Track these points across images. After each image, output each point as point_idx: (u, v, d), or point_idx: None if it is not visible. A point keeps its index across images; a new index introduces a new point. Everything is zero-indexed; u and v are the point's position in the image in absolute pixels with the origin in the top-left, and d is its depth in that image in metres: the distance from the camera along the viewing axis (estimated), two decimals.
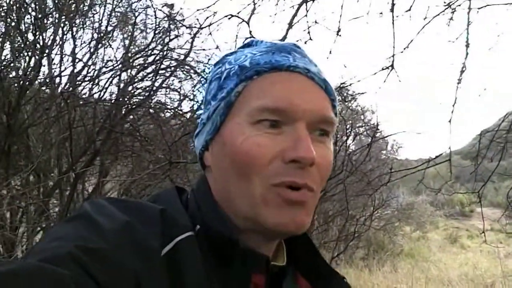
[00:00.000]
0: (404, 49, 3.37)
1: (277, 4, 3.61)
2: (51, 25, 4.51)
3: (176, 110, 5.09)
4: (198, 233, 0.74)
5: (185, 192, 0.87)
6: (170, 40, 4.49)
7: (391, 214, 12.77)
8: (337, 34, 3.47)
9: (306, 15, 3.44)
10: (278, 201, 0.73)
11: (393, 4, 3.22)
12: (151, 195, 0.88)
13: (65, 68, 4.50)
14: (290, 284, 0.84)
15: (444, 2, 3.36)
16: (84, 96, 4.74)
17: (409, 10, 3.69)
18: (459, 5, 3.33)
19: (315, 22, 3.43)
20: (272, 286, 0.80)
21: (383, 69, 3.39)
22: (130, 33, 5.27)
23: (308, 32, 3.44)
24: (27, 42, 4.23)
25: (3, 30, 4.33)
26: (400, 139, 13.88)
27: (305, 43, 3.50)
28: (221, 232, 0.75)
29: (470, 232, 18.85)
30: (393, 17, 3.23)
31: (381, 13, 3.34)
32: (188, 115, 4.98)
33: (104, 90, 4.75)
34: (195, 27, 4.16)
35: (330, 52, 3.60)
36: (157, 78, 4.63)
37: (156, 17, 4.51)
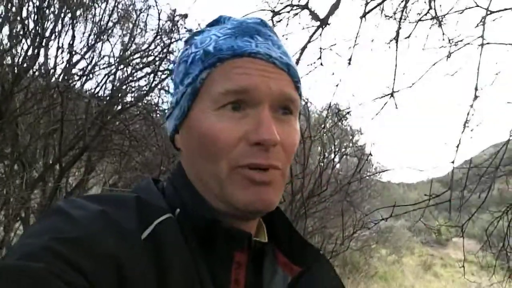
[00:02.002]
0: (410, 86, 3.43)
1: (287, 25, 3.64)
2: (52, 15, 4.48)
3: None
4: (178, 216, 0.76)
5: (161, 181, 0.90)
6: (172, 42, 4.49)
7: (368, 235, 12.85)
8: (349, 63, 3.54)
9: (320, 38, 3.51)
10: (244, 181, 0.75)
11: (397, 34, 3.27)
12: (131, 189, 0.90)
13: (63, 60, 4.45)
14: (270, 262, 0.87)
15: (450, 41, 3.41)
16: (78, 90, 4.70)
17: (409, 37, 3.80)
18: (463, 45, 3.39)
19: (330, 49, 3.49)
20: (255, 264, 0.83)
21: (382, 96, 3.45)
22: (129, 31, 5.27)
23: (320, 58, 3.50)
24: (27, 30, 4.18)
25: (3, 15, 4.29)
26: (384, 162, 13.98)
27: (315, 68, 3.57)
28: (202, 213, 0.77)
29: (444, 261, 19.00)
30: (397, 47, 3.29)
31: (390, 41, 3.39)
32: None
33: (100, 86, 4.72)
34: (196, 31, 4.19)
35: (340, 80, 3.68)
36: (154, 79, 4.62)
37: (159, 19, 4.49)
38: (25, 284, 0.53)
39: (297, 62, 3.37)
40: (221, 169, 0.76)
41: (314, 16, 3.37)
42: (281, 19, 3.57)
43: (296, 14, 3.49)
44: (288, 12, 3.55)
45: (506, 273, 5.90)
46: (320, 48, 3.45)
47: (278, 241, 0.88)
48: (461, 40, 3.44)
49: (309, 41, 3.42)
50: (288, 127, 0.79)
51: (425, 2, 3.67)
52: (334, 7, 3.34)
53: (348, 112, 5.31)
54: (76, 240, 0.61)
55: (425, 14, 3.80)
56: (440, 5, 3.81)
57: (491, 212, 4.94)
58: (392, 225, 16.01)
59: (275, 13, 3.41)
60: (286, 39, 3.65)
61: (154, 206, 0.76)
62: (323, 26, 3.38)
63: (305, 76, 3.59)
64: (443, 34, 3.83)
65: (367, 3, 3.50)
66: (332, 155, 7.17)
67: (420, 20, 3.83)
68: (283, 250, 0.87)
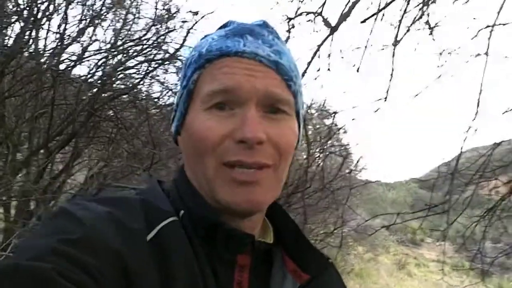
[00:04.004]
0: (416, 96, 3.51)
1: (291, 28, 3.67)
2: None
3: (159, 101, 5.08)
4: (182, 218, 0.77)
5: (166, 183, 0.91)
6: (168, 32, 4.45)
7: (347, 233, 12.96)
8: (357, 71, 3.60)
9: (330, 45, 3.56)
10: (230, 181, 0.76)
11: (395, 40, 3.32)
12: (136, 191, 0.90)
13: (58, 44, 4.37)
14: (280, 267, 0.87)
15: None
16: (71, 75, 4.63)
17: (398, 42, 3.85)
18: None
19: (342, 57, 3.55)
20: (259, 267, 0.83)
21: (376, 100, 3.51)
22: (123, 17, 5.20)
23: (328, 64, 3.55)
24: (19, 11, 4.10)
25: None
26: (364, 161, 14.08)
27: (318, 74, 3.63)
28: (205, 215, 0.78)
29: (418, 260, 19.33)
30: (394, 52, 3.34)
31: (386, 46, 3.44)
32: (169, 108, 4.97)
33: (91, 72, 4.66)
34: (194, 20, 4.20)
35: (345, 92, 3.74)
36: (149, 68, 4.58)
37: (156, 8, 4.45)
38: (34, 284, 0.54)
39: (307, 68, 3.41)
40: (207, 167, 0.77)
41: (326, 23, 3.41)
42: (296, 25, 3.61)
43: (309, 20, 3.53)
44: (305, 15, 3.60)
45: (479, 276, 6.06)
46: (329, 55, 3.51)
47: (286, 245, 0.89)
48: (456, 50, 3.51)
49: (319, 47, 3.46)
50: (280, 126, 0.80)
51: (420, 9, 3.73)
52: (346, 15, 3.38)
53: (336, 112, 5.35)
54: (82, 240, 0.62)
55: (418, 20, 3.87)
56: (433, 13, 3.90)
57: (466, 216, 5.05)
58: (370, 223, 16.18)
59: (290, 19, 3.44)
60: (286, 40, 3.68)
61: (159, 208, 0.77)
62: (333, 33, 3.43)
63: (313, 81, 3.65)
64: (433, 40, 3.92)
65: (368, 9, 3.57)
66: (317, 154, 7.20)
67: (412, 23, 3.91)
68: (292, 255, 0.87)
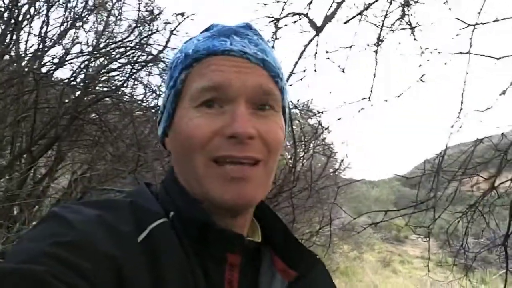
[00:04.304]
0: (399, 96, 3.55)
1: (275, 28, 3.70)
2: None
3: (143, 103, 5.04)
4: (172, 219, 0.78)
5: (154, 185, 0.92)
6: (151, 33, 4.43)
7: (332, 231, 13.01)
8: (343, 71, 3.63)
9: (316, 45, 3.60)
10: (220, 178, 0.76)
11: (378, 40, 3.37)
12: (125, 193, 0.91)
13: (40, 47, 4.32)
14: (268, 266, 0.87)
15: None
16: (54, 78, 4.58)
17: (379, 42, 3.90)
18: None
19: (327, 58, 3.57)
20: (249, 266, 0.84)
21: (360, 100, 3.56)
22: (104, 20, 5.17)
23: (314, 64, 3.58)
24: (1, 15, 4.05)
25: None
26: (348, 159, 14.19)
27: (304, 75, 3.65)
28: (195, 216, 0.78)
29: (403, 257, 19.50)
30: (376, 52, 3.38)
31: (369, 46, 3.49)
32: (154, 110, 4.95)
33: (74, 75, 4.61)
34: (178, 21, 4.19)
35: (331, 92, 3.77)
36: (132, 70, 4.55)
37: (139, 10, 4.42)
38: (28, 287, 0.54)
39: (293, 69, 3.44)
40: (197, 165, 0.77)
41: (312, 24, 3.44)
42: (281, 27, 3.63)
43: (295, 22, 3.56)
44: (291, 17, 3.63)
45: (463, 271, 6.15)
46: (315, 55, 3.54)
47: (274, 244, 0.89)
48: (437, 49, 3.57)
49: (305, 48, 3.48)
50: (268, 122, 0.81)
51: (402, 9, 3.78)
52: (331, 16, 3.41)
53: (321, 112, 5.38)
54: (75, 243, 0.62)
55: (399, 20, 3.93)
56: (414, 13, 3.96)
57: (449, 212, 5.11)
58: (355, 222, 16.28)
59: (277, 20, 3.46)
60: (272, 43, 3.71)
61: (149, 210, 0.77)
62: (319, 34, 3.46)
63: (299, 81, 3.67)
64: (415, 39, 3.98)
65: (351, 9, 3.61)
66: (302, 152, 7.22)
67: (393, 24, 3.97)
68: (280, 254, 0.88)
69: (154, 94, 4.81)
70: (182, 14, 4.18)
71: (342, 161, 10.29)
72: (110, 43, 4.83)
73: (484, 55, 3.64)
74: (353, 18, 3.55)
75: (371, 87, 3.61)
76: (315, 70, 3.63)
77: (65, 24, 4.75)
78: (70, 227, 0.65)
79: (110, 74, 4.91)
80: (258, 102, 0.80)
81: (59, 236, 0.63)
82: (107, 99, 4.67)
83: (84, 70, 4.60)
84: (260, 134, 0.78)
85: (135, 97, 5.06)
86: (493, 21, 3.55)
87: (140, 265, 0.66)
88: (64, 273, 0.57)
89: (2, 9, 4.09)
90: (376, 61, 3.55)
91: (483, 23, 3.56)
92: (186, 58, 0.82)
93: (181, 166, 0.83)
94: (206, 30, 0.90)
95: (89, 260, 0.61)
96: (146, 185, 0.89)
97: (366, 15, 3.69)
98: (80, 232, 0.64)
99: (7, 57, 4.23)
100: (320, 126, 6.53)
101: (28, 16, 4.34)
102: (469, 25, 3.54)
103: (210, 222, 0.77)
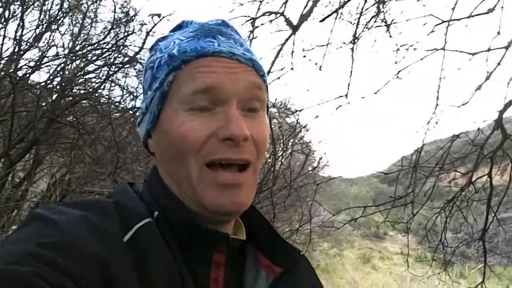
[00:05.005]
0: (376, 92, 3.62)
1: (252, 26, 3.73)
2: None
3: (121, 105, 5.01)
4: (157, 219, 0.78)
5: (136, 184, 0.91)
6: (127, 35, 4.41)
7: (312, 229, 13.07)
8: (319, 69, 3.68)
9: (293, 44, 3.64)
10: (213, 184, 0.77)
11: (354, 37, 3.43)
12: (107, 193, 0.90)
13: (15, 50, 4.26)
14: (253, 263, 0.89)
15: None
16: (30, 81, 4.53)
17: (355, 40, 3.97)
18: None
19: (304, 56, 3.62)
20: (234, 264, 0.84)
21: (337, 98, 3.62)
22: (80, 22, 5.12)
23: (291, 63, 3.62)
24: None
25: None
26: (326, 157, 14.30)
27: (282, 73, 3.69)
28: (179, 215, 0.79)
29: (382, 254, 19.70)
30: (353, 49, 3.45)
31: (345, 44, 3.55)
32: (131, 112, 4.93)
33: (51, 78, 4.56)
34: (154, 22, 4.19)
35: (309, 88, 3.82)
36: (109, 72, 4.52)
37: (115, 12, 4.40)
38: (8, 285, 0.54)
39: (270, 67, 3.47)
40: (190, 169, 0.77)
41: (289, 23, 3.48)
42: (258, 26, 3.66)
43: (272, 20, 3.59)
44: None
45: (442, 266, 6.24)
46: (292, 53, 3.58)
47: (258, 242, 0.90)
48: (412, 46, 3.64)
49: (282, 46, 3.52)
50: (258, 122, 0.82)
51: (377, 7, 3.84)
52: (307, 14, 3.46)
53: (299, 110, 5.42)
54: (60, 244, 0.62)
55: (374, 17, 4.00)
56: (389, 9, 4.04)
57: (427, 208, 5.19)
58: (334, 219, 16.41)
59: (253, 19, 3.48)
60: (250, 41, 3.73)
61: (133, 210, 0.77)
62: (295, 33, 3.50)
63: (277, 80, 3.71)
64: (390, 36, 4.06)
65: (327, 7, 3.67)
66: (281, 151, 7.26)
67: (368, 22, 4.04)
68: (264, 251, 0.89)
69: (131, 96, 4.78)
70: (159, 15, 4.17)
71: (320, 159, 10.38)
72: (86, 45, 4.81)
73: (459, 51, 3.73)
74: (329, 16, 3.61)
75: (348, 85, 3.69)
76: (292, 69, 3.67)
77: (40, 27, 4.69)
78: (55, 227, 0.65)
79: (87, 77, 4.87)
80: (248, 102, 0.81)
81: (44, 237, 0.62)
82: (84, 101, 4.64)
83: (61, 73, 4.56)
84: (251, 135, 0.79)
85: (112, 99, 5.03)
86: (467, 17, 3.64)
87: (127, 265, 0.66)
88: (50, 273, 0.57)
89: None
90: (353, 59, 3.63)
91: (457, 19, 3.65)
92: (172, 59, 0.81)
93: (170, 168, 0.82)
94: (179, 27, 0.90)
95: (75, 260, 0.61)
96: (129, 185, 0.89)
97: (341, 13, 3.76)
98: (66, 232, 0.64)
99: None
100: (298, 125, 6.58)
101: (2, 19, 4.28)
102: (443, 21, 3.62)
103: (197, 222, 0.78)
